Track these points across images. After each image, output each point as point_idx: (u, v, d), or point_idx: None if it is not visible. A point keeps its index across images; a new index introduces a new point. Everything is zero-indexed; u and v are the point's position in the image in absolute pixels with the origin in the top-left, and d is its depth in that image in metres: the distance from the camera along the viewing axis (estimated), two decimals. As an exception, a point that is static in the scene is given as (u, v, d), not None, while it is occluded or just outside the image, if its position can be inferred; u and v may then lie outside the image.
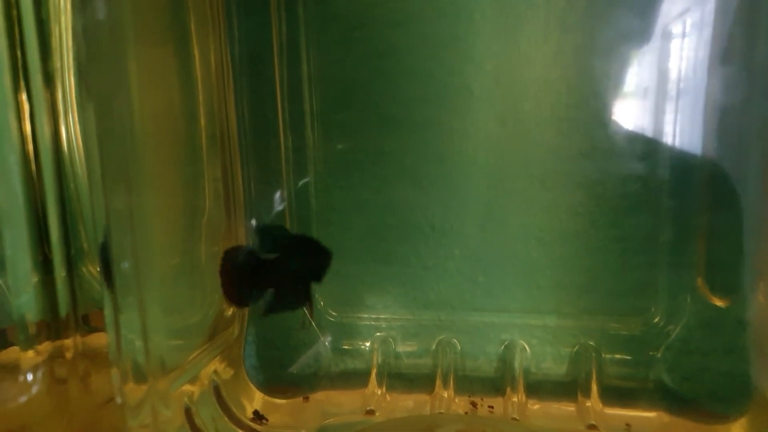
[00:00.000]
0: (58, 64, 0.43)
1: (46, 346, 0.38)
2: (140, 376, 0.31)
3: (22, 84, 0.41)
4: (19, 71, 0.41)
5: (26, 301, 0.39)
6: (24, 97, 0.41)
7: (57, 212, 0.41)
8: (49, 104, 0.42)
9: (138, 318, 0.32)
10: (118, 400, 0.32)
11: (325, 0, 0.47)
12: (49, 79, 0.42)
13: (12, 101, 0.41)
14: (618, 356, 0.48)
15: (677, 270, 0.46)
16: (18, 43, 0.41)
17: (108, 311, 0.32)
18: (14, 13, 0.41)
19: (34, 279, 0.39)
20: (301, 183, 0.49)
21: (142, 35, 0.35)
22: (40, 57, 0.42)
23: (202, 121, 0.44)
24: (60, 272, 0.40)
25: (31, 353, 0.37)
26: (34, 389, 0.37)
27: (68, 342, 0.38)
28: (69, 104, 0.43)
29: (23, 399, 0.36)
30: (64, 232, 0.41)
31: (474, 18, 0.44)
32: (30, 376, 0.37)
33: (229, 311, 0.48)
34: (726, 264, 0.43)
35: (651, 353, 0.46)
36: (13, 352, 0.39)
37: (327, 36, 0.47)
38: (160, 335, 0.32)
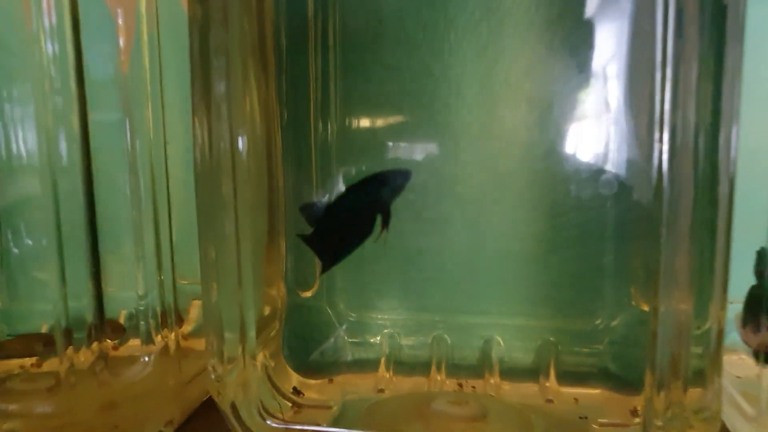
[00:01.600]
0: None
1: (161, 336, 0.47)
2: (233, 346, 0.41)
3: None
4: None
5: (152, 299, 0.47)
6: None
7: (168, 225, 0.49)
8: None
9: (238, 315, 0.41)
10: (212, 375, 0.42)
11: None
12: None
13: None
14: (572, 348, 0.54)
15: (617, 281, 0.53)
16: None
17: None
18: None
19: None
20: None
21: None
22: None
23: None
24: (169, 275, 0.49)
25: (154, 342, 0.46)
26: (149, 368, 0.47)
27: (171, 335, 0.48)
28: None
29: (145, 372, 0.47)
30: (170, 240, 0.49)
31: (462, 91, 0.52)
32: (146, 359, 0.47)
33: (269, 310, 0.54)
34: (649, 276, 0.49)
35: (598, 346, 0.54)
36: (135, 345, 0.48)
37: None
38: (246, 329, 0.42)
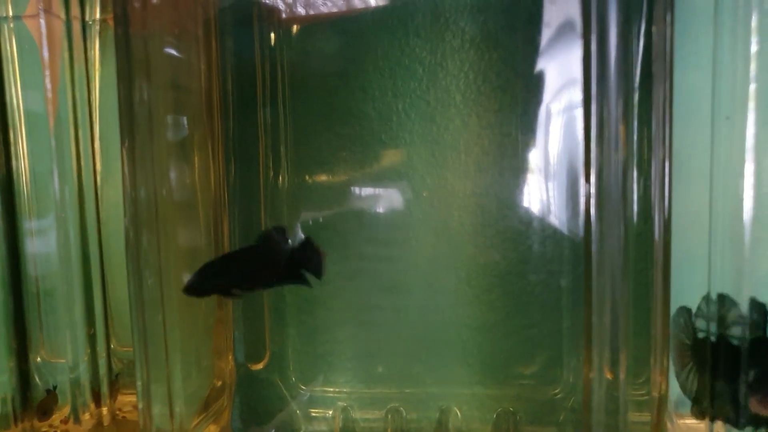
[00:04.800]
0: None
1: (94, 412, 0.45)
2: None
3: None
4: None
5: (82, 370, 0.45)
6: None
7: (100, 289, 0.47)
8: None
9: (164, 388, 0.39)
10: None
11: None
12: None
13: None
14: (532, 418, 0.53)
15: (576, 348, 0.51)
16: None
17: (140, 382, 0.39)
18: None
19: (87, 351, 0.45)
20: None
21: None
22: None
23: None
24: (102, 346, 0.47)
25: (86, 416, 0.44)
26: None
27: (105, 409, 0.46)
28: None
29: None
30: (104, 310, 0.47)
31: (413, 160, 0.53)
32: None
33: (219, 383, 0.54)
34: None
35: (557, 415, 0.52)
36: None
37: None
38: (179, 404, 0.40)
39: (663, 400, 0.35)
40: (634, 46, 0.37)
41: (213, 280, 0.42)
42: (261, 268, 0.46)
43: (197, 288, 0.42)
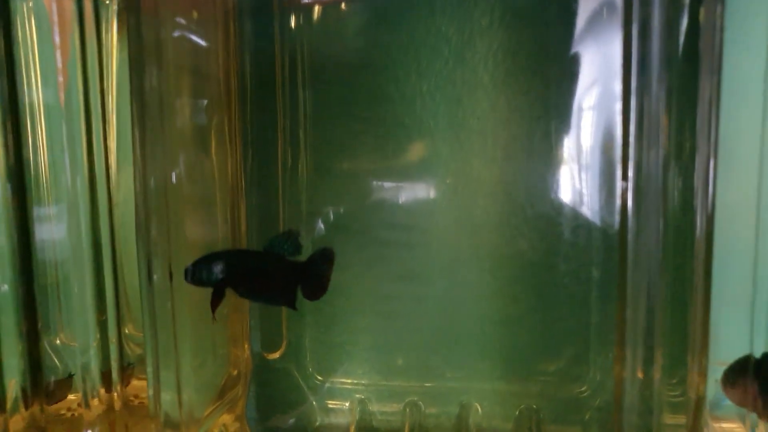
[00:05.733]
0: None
1: (104, 397, 0.44)
2: (174, 426, 0.38)
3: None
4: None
5: (92, 356, 0.45)
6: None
7: (112, 276, 0.47)
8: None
9: (173, 375, 0.39)
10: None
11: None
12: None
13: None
14: (555, 416, 0.52)
15: (604, 344, 0.50)
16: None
17: (150, 368, 0.39)
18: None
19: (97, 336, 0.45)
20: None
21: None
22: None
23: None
24: (113, 331, 0.46)
25: (95, 401, 0.44)
26: None
27: (116, 395, 0.45)
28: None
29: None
30: (116, 295, 0.47)
31: (436, 145, 0.51)
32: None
33: (235, 372, 0.53)
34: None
35: (582, 414, 0.51)
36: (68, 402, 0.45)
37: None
38: (189, 391, 0.39)
39: (701, 402, 0.33)
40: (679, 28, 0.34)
41: (212, 271, 0.40)
42: (260, 278, 0.44)
43: (193, 273, 0.40)
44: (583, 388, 0.52)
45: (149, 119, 0.38)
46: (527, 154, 0.50)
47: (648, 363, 0.33)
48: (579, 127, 0.49)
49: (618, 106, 0.44)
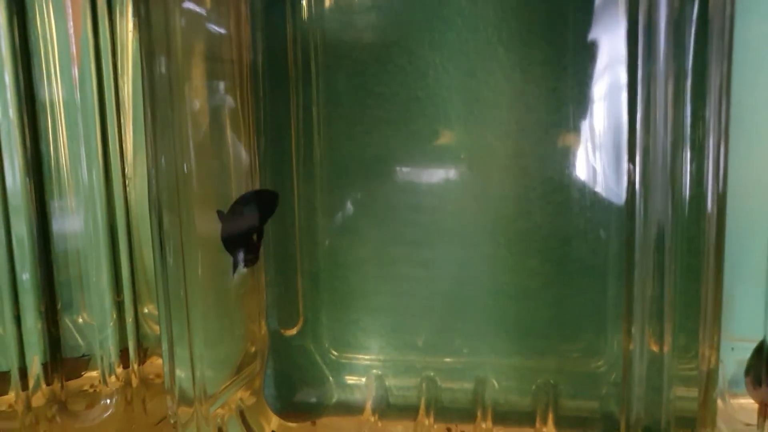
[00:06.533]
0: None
1: (121, 374, 0.46)
2: (188, 401, 0.39)
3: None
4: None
5: (109, 335, 0.46)
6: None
7: (128, 258, 0.48)
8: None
9: (187, 352, 0.39)
10: (171, 420, 0.40)
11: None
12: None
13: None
14: (572, 391, 0.52)
15: (620, 319, 0.45)
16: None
17: (165, 346, 0.40)
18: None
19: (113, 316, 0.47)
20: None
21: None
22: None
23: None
24: (130, 312, 0.48)
25: (112, 378, 0.45)
26: (110, 411, 0.45)
27: (133, 371, 0.46)
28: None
29: (105, 416, 0.45)
30: (132, 276, 0.48)
31: (450, 117, 0.51)
32: (108, 401, 0.45)
33: (252, 348, 0.53)
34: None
35: (600, 389, 0.51)
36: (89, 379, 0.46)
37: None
38: (203, 367, 0.40)
39: (712, 375, 0.32)
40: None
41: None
42: None
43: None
44: (600, 363, 0.51)
45: (160, 106, 0.39)
46: (543, 126, 0.49)
47: (658, 336, 0.32)
48: (595, 98, 0.48)
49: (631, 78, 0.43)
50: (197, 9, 0.43)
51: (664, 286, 0.31)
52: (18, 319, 0.43)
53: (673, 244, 0.32)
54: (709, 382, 0.32)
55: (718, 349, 0.32)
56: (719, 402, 0.35)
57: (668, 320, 0.31)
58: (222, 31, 0.47)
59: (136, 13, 0.39)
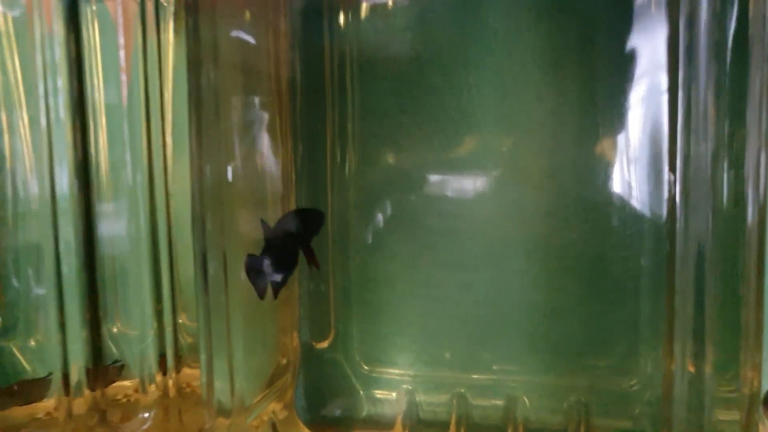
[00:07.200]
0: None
1: (159, 381, 0.46)
2: (226, 413, 0.39)
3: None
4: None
5: (149, 344, 0.47)
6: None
7: (168, 267, 0.49)
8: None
9: (226, 363, 0.40)
10: None
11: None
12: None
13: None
14: (605, 410, 0.51)
15: (655, 337, 0.48)
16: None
17: (203, 357, 0.40)
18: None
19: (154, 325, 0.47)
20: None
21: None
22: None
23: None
24: (169, 321, 0.48)
25: (152, 387, 0.45)
26: (149, 423, 0.46)
27: (171, 381, 0.47)
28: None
29: (144, 428, 0.45)
30: (171, 287, 0.49)
31: (484, 136, 0.51)
32: (147, 414, 0.46)
33: (284, 360, 0.54)
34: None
35: (633, 408, 0.50)
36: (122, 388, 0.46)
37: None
38: (240, 379, 0.40)
39: (755, 398, 0.32)
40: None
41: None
42: None
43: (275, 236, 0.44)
44: (633, 382, 0.51)
45: (205, 116, 0.40)
46: (577, 144, 0.50)
47: (699, 357, 0.32)
48: (627, 118, 0.48)
49: (666, 98, 0.44)
50: (239, 21, 0.44)
51: (705, 304, 0.31)
52: (63, 327, 0.43)
53: (714, 260, 0.31)
54: (751, 405, 0.32)
55: (760, 372, 0.32)
56: (760, 427, 0.34)
57: (709, 340, 0.31)
58: (261, 45, 0.48)
59: (185, 24, 0.40)
